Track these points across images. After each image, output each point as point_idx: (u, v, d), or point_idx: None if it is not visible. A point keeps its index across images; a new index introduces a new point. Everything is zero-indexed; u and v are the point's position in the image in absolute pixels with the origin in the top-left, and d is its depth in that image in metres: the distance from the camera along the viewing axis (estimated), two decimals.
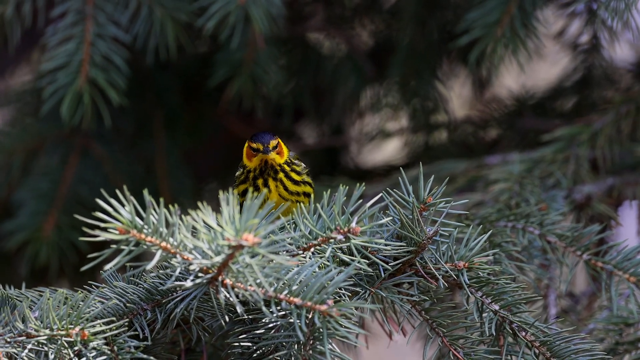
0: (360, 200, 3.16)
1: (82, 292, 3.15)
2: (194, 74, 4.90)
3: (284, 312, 3.02)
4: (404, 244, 3.23)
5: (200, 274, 2.99)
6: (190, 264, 2.97)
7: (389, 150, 5.15)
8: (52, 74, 4.30)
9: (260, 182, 3.59)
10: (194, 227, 2.97)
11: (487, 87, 5.04)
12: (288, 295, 3.01)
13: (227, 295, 2.99)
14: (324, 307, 2.99)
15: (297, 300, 3.00)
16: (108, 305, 3.11)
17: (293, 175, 3.60)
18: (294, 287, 3.00)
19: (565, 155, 4.30)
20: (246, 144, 3.63)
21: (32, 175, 4.75)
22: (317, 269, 3.04)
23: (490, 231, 3.47)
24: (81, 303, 3.05)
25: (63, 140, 4.79)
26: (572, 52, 4.83)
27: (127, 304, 3.13)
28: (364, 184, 3.20)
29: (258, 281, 2.97)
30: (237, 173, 3.65)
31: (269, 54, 4.50)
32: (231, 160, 5.03)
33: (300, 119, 5.12)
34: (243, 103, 4.58)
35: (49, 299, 3.02)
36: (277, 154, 3.59)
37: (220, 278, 2.99)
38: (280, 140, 3.62)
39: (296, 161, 3.63)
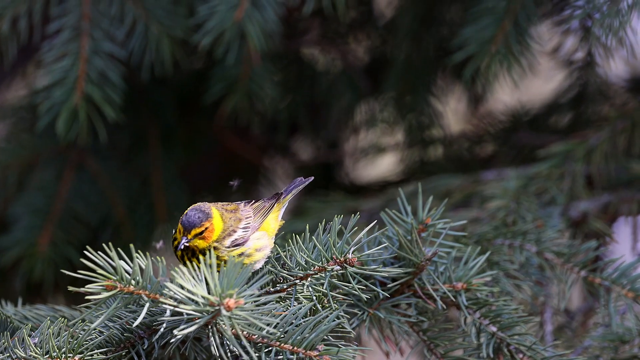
0: (355, 228, 3.15)
1: (81, 313, 3.14)
2: (189, 90, 4.89)
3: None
4: (401, 270, 3.23)
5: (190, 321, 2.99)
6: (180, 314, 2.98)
7: (384, 166, 5.15)
8: (47, 90, 4.29)
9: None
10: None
11: (482, 103, 5.04)
12: (279, 343, 3.02)
13: (217, 344, 3.00)
14: (315, 354, 3.02)
15: (288, 347, 3.02)
16: (107, 335, 3.11)
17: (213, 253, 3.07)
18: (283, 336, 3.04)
19: (561, 172, 4.31)
20: None
21: (27, 190, 4.74)
22: (306, 313, 3.06)
23: (489, 252, 3.47)
24: (82, 333, 3.04)
25: (58, 155, 4.77)
26: (567, 68, 4.83)
27: (124, 334, 3.13)
28: (358, 213, 3.20)
29: (245, 333, 2.98)
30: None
31: (264, 70, 4.50)
32: (226, 175, 5.03)
33: (296, 134, 5.12)
34: (239, 118, 4.57)
35: (49, 327, 3.02)
36: (202, 239, 3.22)
37: (209, 326, 3.00)
38: (214, 220, 3.20)
39: (227, 240, 3.24)
